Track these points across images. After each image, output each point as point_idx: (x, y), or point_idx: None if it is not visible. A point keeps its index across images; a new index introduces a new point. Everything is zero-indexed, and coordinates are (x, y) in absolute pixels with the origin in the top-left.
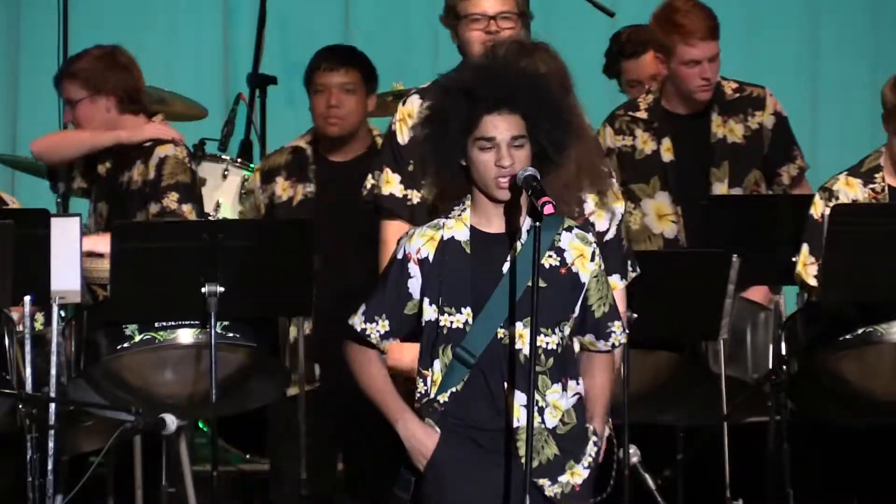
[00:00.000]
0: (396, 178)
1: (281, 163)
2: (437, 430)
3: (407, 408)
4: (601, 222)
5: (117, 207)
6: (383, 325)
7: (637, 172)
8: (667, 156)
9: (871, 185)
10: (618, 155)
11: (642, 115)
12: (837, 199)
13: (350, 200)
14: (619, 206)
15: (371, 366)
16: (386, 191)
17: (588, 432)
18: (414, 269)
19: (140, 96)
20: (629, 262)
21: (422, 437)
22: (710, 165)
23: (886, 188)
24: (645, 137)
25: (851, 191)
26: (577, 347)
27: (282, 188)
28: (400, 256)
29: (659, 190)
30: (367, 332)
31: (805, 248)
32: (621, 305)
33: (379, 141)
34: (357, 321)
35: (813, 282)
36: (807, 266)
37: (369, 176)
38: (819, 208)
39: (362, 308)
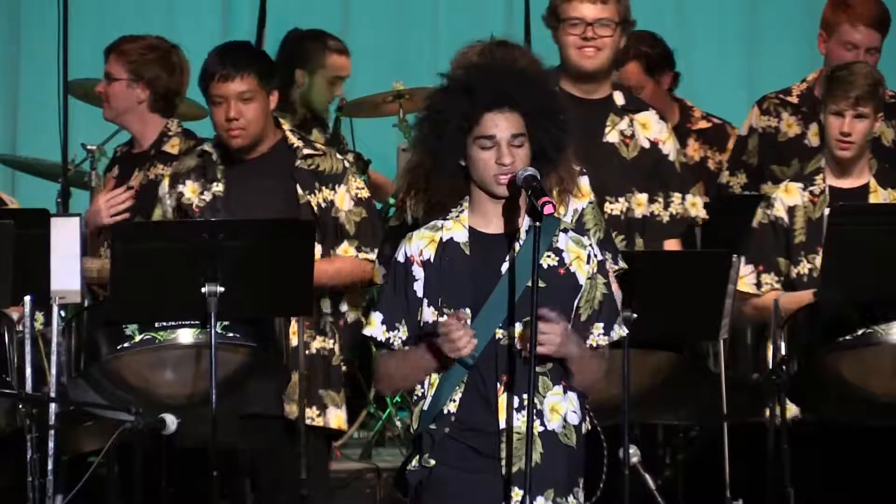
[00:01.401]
0: None
1: (191, 166)
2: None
3: (418, 347)
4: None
5: None
6: (404, 332)
7: (778, 154)
8: (814, 141)
9: (811, 188)
10: (760, 135)
11: (793, 99)
12: (773, 206)
13: (260, 198)
14: (582, 202)
15: (393, 356)
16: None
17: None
18: (418, 271)
19: (175, 100)
20: (606, 253)
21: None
22: None
23: (826, 189)
24: (791, 121)
25: (788, 196)
26: None
27: (191, 190)
28: (402, 260)
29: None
30: (392, 341)
31: (741, 260)
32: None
33: (290, 136)
34: (377, 331)
35: (752, 290)
36: (743, 279)
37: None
38: (757, 216)
39: (378, 318)
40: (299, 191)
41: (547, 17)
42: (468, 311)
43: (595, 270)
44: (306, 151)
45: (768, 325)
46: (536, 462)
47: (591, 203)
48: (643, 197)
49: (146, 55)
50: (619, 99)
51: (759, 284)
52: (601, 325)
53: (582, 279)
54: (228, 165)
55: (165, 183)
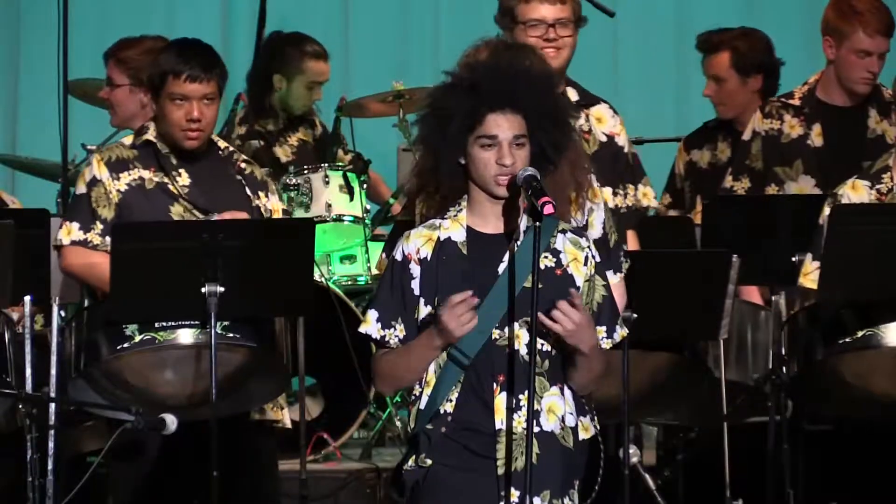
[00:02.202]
0: None
1: (130, 156)
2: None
3: (419, 336)
4: (579, 220)
5: None
6: (401, 330)
7: (781, 155)
8: (817, 141)
9: (878, 186)
10: (763, 138)
11: (795, 102)
12: (841, 202)
13: (227, 195)
14: (599, 203)
15: (391, 352)
16: None
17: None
18: (415, 269)
19: None
20: (620, 256)
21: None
22: (863, 158)
23: (895, 188)
24: (793, 122)
25: (856, 194)
26: None
27: (150, 177)
28: (399, 258)
29: (802, 174)
30: (387, 339)
31: (808, 256)
32: (620, 300)
33: (217, 140)
34: (373, 329)
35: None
36: (808, 275)
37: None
38: (823, 213)
39: (374, 315)
40: (248, 193)
41: (501, 19)
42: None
43: (593, 272)
44: (244, 157)
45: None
46: (532, 463)
47: (604, 204)
48: (608, 191)
49: (145, 61)
50: (572, 95)
51: None
52: (603, 328)
53: (579, 280)
54: (182, 160)
55: (99, 168)
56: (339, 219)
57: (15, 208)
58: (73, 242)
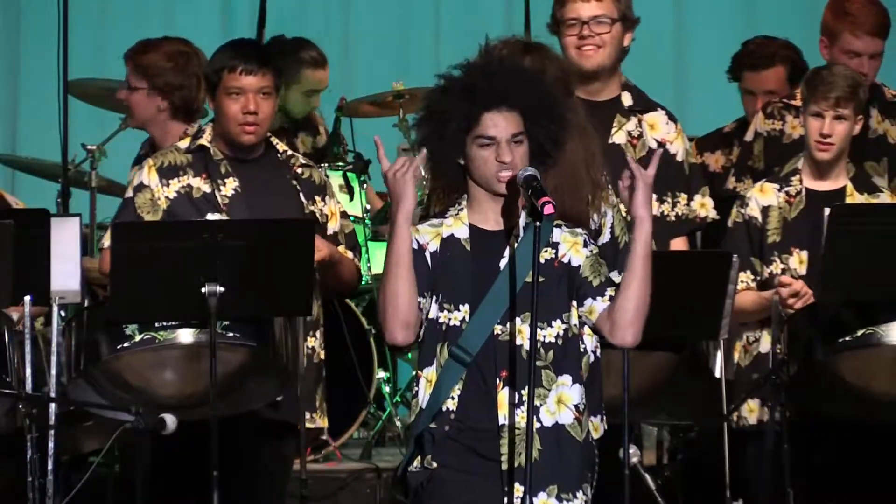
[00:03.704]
0: None
1: (184, 162)
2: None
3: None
4: (596, 220)
5: None
6: (426, 304)
7: (783, 155)
8: None
9: (787, 189)
10: (765, 138)
11: (796, 102)
12: (748, 205)
13: (276, 200)
14: (611, 209)
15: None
16: None
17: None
18: (428, 258)
19: (195, 106)
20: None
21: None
22: (864, 158)
23: (803, 190)
24: (795, 123)
25: (763, 196)
26: (587, 340)
27: (198, 185)
28: (415, 246)
29: None
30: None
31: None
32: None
33: (276, 142)
34: None
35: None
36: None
37: None
38: (732, 215)
39: None
40: (302, 199)
41: (550, 25)
42: (467, 307)
43: (595, 252)
44: (302, 161)
45: (747, 324)
46: (536, 459)
47: (615, 208)
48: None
49: (164, 68)
50: (626, 99)
51: None
52: (615, 272)
53: (578, 259)
54: (234, 164)
55: (149, 174)
56: None
57: (15, 208)
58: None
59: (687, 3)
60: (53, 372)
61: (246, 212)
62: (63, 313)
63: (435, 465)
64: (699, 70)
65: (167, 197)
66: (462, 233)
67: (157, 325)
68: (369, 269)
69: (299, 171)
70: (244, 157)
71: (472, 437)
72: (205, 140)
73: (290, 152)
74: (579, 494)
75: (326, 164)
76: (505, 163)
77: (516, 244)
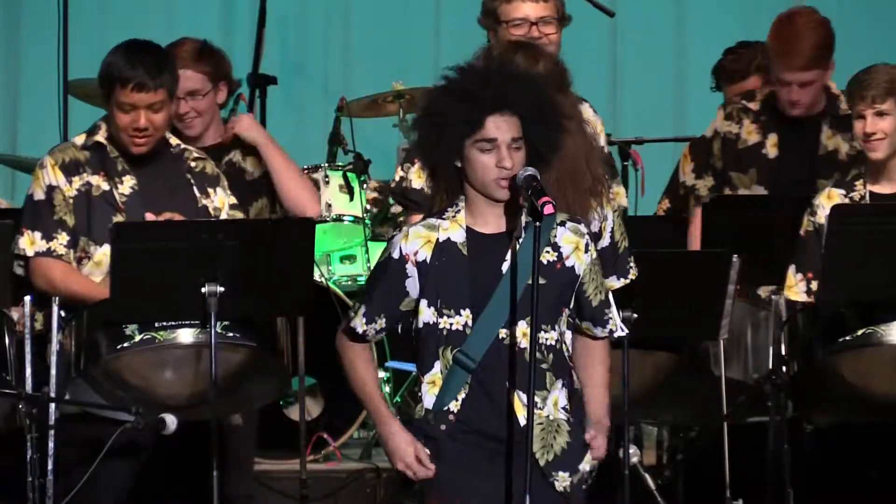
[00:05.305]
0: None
1: (82, 158)
2: (413, 439)
3: (392, 416)
4: (593, 224)
5: None
6: (380, 324)
7: (737, 161)
8: (772, 152)
9: (851, 194)
10: (722, 140)
11: (754, 106)
12: (816, 213)
13: (170, 198)
14: (612, 212)
15: (367, 368)
16: (417, 184)
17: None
18: (412, 269)
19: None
20: (628, 262)
21: (401, 444)
22: (814, 174)
23: (867, 194)
24: (751, 128)
25: (830, 202)
26: (568, 340)
27: (98, 182)
28: (396, 256)
29: (755, 183)
30: (367, 333)
31: (791, 268)
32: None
33: (170, 136)
34: (359, 323)
35: (802, 297)
36: (792, 287)
37: (399, 168)
38: (803, 224)
39: (362, 310)
40: (196, 193)
41: (484, 20)
42: (468, 311)
43: (594, 257)
44: (196, 154)
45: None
46: (562, 448)
47: (615, 212)
48: (622, 189)
49: (222, 60)
50: None
51: (809, 292)
52: (614, 310)
53: (579, 269)
54: (131, 163)
55: (54, 172)
56: (339, 219)
57: (15, 208)
58: (38, 254)
59: (687, 3)
60: (53, 372)
61: (142, 210)
62: (63, 313)
63: (439, 463)
64: (699, 70)
65: (70, 196)
66: (458, 237)
67: (156, 325)
68: (369, 268)
69: (192, 164)
70: (138, 157)
71: (478, 439)
72: (101, 137)
73: (182, 146)
74: (580, 467)
75: (326, 164)
76: (505, 168)
77: (518, 246)
